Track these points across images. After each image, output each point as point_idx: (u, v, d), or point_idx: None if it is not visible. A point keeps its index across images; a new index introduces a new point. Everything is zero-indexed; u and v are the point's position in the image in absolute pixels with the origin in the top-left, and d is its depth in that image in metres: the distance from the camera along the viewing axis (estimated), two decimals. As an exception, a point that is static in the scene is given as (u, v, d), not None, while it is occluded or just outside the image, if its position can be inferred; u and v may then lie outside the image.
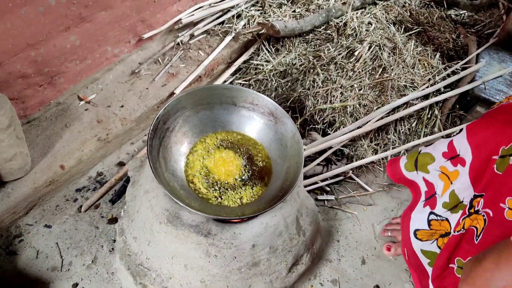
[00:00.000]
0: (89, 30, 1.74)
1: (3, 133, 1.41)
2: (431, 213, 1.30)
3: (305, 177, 1.83)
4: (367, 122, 1.90)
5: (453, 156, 1.20)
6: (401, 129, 2.01)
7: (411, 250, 1.43)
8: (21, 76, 1.60)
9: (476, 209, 1.15)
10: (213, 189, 1.32)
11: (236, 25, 2.31)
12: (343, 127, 1.92)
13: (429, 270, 1.33)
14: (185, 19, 2.17)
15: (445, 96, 2.01)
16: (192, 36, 2.25)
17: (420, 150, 1.34)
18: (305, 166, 1.83)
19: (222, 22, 2.36)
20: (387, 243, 1.70)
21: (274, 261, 1.40)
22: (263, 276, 1.40)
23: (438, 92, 2.06)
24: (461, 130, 1.22)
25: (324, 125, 1.98)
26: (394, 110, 1.96)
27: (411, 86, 2.02)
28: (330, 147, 1.88)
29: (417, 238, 1.39)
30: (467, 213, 1.18)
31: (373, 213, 1.84)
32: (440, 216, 1.29)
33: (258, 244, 1.32)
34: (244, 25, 2.34)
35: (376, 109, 1.94)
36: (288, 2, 2.49)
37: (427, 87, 2.02)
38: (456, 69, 2.12)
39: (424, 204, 1.36)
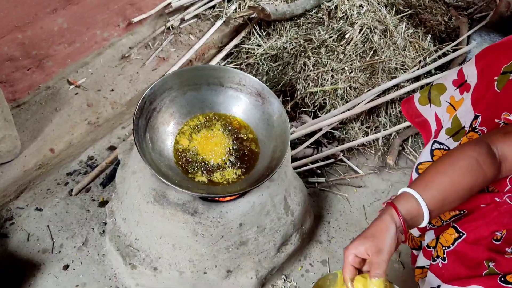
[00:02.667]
0: (77, 13, 1.73)
1: (-10, 115, 1.41)
2: (434, 142, 1.28)
3: (296, 159, 1.83)
4: (357, 104, 1.91)
5: (461, 83, 1.20)
6: (392, 112, 2.01)
7: None
8: (8, 59, 1.60)
9: (473, 127, 1.15)
10: (200, 169, 1.32)
11: (227, 9, 2.30)
12: (334, 110, 1.92)
13: None
14: (175, 3, 2.16)
15: (437, 77, 2.01)
16: (182, 20, 2.24)
17: (433, 82, 1.33)
18: (295, 148, 1.84)
19: (213, 6, 2.34)
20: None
21: (262, 241, 1.41)
22: (252, 256, 1.41)
23: (429, 74, 2.06)
24: (470, 58, 1.22)
25: (315, 108, 1.98)
26: (385, 92, 1.96)
27: (401, 68, 2.02)
28: (320, 129, 1.88)
29: (418, 173, 1.36)
30: (467, 132, 1.19)
31: (364, 195, 1.85)
32: (442, 144, 1.27)
33: (245, 223, 1.33)
34: (235, 9, 2.33)
35: (367, 91, 1.94)
36: (279, -15, 2.47)
37: (418, 69, 2.02)
38: (447, 50, 2.12)
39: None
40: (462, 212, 1.13)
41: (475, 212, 1.09)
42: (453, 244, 1.10)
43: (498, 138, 1.01)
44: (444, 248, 1.12)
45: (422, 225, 0.98)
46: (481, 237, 1.06)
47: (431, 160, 1.31)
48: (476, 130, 1.14)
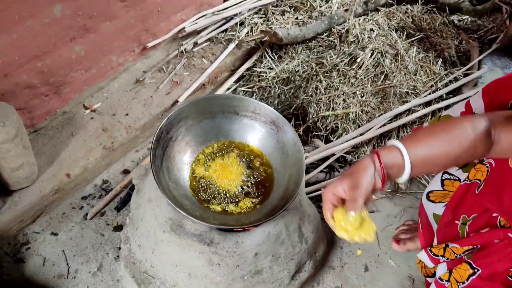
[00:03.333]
0: (94, 41, 1.77)
1: (10, 143, 1.44)
2: (444, 172, 1.30)
3: (308, 185, 1.84)
4: (369, 129, 1.92)
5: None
6: (404, 136, 2.02)
7: (424, 215, 1.43)
8: (27, 87, 1.63)
9: (481, 159, 1.16)
10: (216, 198, 1.34)
11: (239, 32, 2.34)
12: (346, 134, 1.93)
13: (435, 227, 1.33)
14: (189, 27, 2.20)
15: (447, 102, 2.02)
16: (195, 44, 2.27)
17: (441, 114, 1.35)
18: (307, 173, 1.85)
19: (225, 30, 2.38)
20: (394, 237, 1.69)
21: (276, 269, 1.41)
22: (266, 284, 1.42)
23: (441, 98, 2.07)
24: (477, 92, 1.24)
25: (327, 132, 2.00)
26: (397, 116, 1.97)
27: (413, 93, 2.03)
28: (333, 154, 1.89)
29: (429, 200, 1.38)
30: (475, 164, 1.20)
31: (376, 219, 1.85)
32: (453, 175, 1.29)
33: (260, 252, 1.33)
34: (247, 32, 2.36)
35: (379, 115, 1.95)
36: (290, 9, 2.51)
37: (429, 93, 2.04)
38: (458, 75, 2.13)
39: None
40: (475, 246, 1.13)
41: (489, 247, 1.09)
42: (467, 280, 1.11)
43: (500, 121, 1.02)
44: (458, 284, 1.12)
45: (401, 180, 0.98)
46: (496, 273, 1.06)
47: (442, 189, 1.33)
48: (484, 163, 1.15)
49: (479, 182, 1.16)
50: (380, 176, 0.95)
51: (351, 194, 0.94)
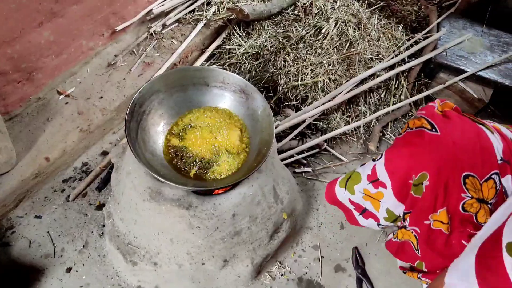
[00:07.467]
0: (62, 25, 1.78)
1: (-14, 128, 1.46)
2: (379, 224, 1.41)
3: (282, 152, 1.91)
4: (337, 95, 1.99)
5: (374, 180, 1.31)
6: (371, 100, 2.10)
7: None
8: (-1, 73, 1.65)
9: (403, 225, 1.29)
10: (192, 165, 1.39)
11: (206, 12, 2.38)
12: (315, 102, 2.00)
13: None
14: (156, 9, 2.23)
15: (410, 65, 2.10)
16: (164, 25, 2.30)
17: (355, 170, 1.44)
18: (280, 141, 1.92)
19: (193, 10, 2.41)
20: None
21: (255, 229, 1.48)
22: (246, 244, 1.49)
23: (403, 62, 2.15)
24: (381, 155, 1.32)
25: (297, 102, 2.06)
26: (363, 81, 2.05)
27: (377, 58, 2.11)
28: (304, 121, 1.96)
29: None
30: (401, 226, 1.33)
31: (349, 181, 1.94)
32: (387, 225, 1.42)
33: (238, 213, 1.40)
34: (214, 11, 2.40)
35: (345, 82, 2.03)
36: (256, -14, 2.55)
37: (392, 58, 2.12)
38: (419, 39, 2.21)
39: (364, 217, 1.44)
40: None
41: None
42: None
43: None
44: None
45: None
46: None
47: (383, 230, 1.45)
48: (409, 229, 1.28)
49: (411, 243, 1.31)
50: None
51: None
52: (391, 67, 2.12)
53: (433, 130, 1.18)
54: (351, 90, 2.01)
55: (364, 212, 1.41)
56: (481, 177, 1.13)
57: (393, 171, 1.24)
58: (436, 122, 1.20)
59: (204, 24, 2.35)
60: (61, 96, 1.92)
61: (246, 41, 2.29)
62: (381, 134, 2.09)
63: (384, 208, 1.32)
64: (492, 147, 1.16)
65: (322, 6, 2.23)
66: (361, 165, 1.41)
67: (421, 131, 1.20)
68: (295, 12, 2.33)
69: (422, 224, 1.21)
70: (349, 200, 1.42)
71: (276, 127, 1.91)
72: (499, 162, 1.14)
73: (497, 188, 1.14)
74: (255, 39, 2.27)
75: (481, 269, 0.87)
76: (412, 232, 1.26)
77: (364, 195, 1.35)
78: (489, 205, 1.14)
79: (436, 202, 1.16)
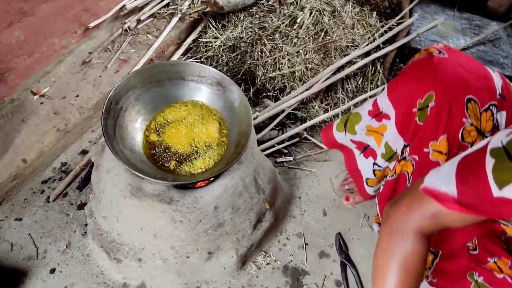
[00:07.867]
0: (33, 24, 1.76)
1: (-41, 132, 1.44)
2: (374, 163, 1.42)
3: (262, 142, 1.92)
4: (315, 84, 2.01)
5: (377, 114, 1.31)
6: (349, 87, 2.13)
7: (368, 196, 1.56)
8: (-30, 76, 1.62)
9: (404, 155, 1.28)
10: (171, 159, 1.39)
11: (181, 5, 2.36)
12: (294, 91, 2.01)
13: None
14: (129, 4, 2.20)
15: (385, 51, 2.13)
16: (139, 21, 2.28)
17: (352, 111, 1.45)
18: (260, 131, 1.93)
19: (167, 4, 2.39)
20: (345, 194, 1.82)
21: (238, 220, 1.49)
22: (230, 236, 1.50)
23: (378, 48, 2.18)
24: (383, 89, 1.32)
25: (276, 92, 2.07)
26: (339, 69, 2.07)
27: (352, 46, 2.13)
28: (283, 111, 1.97)
29: (369, 185, 1.51)
30: (399, 160, 1.31)
31: (330, 168, 1.96)
32: (381, 166, 1.41)
33: (220, 205, 1.41)
34: (189, 5, 2.38)
35: (322, 70, 2.04)
36: (229, -22, 2.53)
37: (367, 45, 2.14)
38: (392, 25, 2.24)
39: (365, 155, 1.46)
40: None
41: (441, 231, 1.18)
42: (432, 265, 1.21)
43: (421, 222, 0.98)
44: (426, 269, 1.22)
45: None
46: (456, 248, 1.15)
47: (374, 177, 1.46)
48: (407, 159, 1.26)
49: (406, 173, 1.26)
50: None
51: None
52: (367, 54, 2.14)
53: (441, 54, 1.18)
54: (328, 78, 2.02)
55: (365, 149, 1.41)
56: (482, 104, 1.13)
57: (397, 99, 1.24)
58: (443, 49, 1.20)
59: (179, 18, 2.34)
60: (36, 96, 1.89)
61: (222, 34, 2.29)
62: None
63: (384, 142, 1.32)
64: (493, 80, 1.16)
65: (296, -4, 2.24)
66: (357, 107, 1.42)
67: (429, 56, 1.20)
68: (270, 2, 2.33)
69: (421, 151, 1.20)
70: (351, 140, 1.43)
71: (255, 118, 1.92)
72: (498, 97, 1.15)
73: (494, 121, 1.14)
74: (231, 31, 2.26)
75: (461, 171, 0.86)
76: (411, 161, 1.23)
77: (367, 131, 1.35)
78: (485, 138, 1.13)
79: (438, 127, 1.14)
